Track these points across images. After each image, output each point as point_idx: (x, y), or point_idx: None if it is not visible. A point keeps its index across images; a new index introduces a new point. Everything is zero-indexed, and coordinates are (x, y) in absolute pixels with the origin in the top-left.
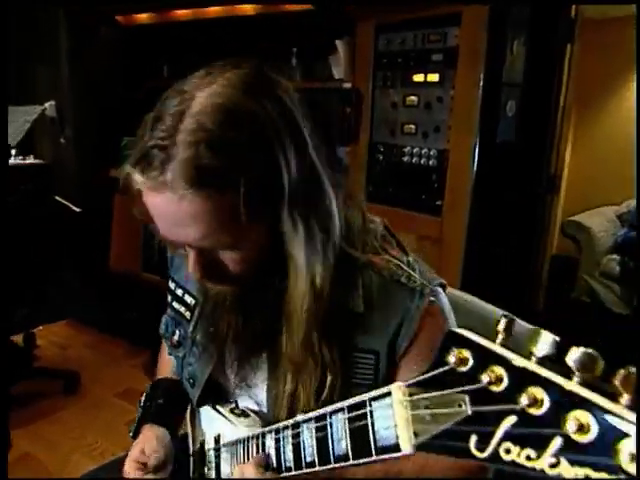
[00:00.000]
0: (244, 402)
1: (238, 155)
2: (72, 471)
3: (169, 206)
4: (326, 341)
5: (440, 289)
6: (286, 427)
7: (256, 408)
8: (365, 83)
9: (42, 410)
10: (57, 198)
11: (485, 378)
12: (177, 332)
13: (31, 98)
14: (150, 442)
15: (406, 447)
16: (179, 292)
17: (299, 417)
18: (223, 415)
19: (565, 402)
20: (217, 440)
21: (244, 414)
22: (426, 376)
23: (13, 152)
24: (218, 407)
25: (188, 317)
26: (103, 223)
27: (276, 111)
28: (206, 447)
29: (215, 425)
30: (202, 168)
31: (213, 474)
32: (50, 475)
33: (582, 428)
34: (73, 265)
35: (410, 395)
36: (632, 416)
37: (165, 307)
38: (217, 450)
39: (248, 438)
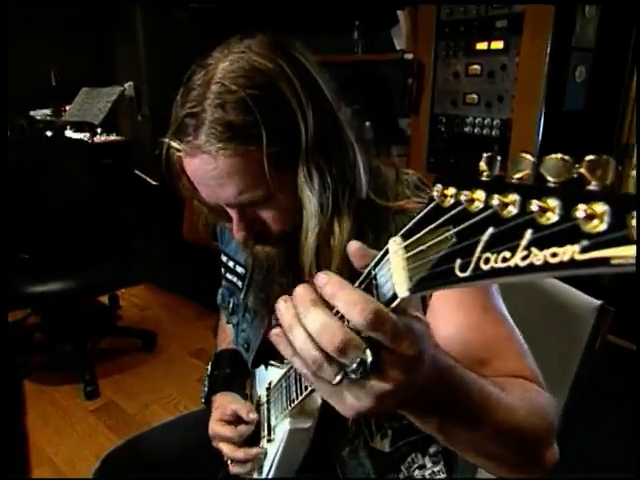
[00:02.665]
0: None
1: (260, 111)
2: (149, 418)
3: (206, 167)
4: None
5: None
6: None
7: None
8: (427, 53)
9: (124, 364)
10: (137, 172)
11: (463, 199)
12: (231, 301)
13: (112, 79)
14: (229, 406)
15: (402, 291)
16: (230, 264)
17: None
18: (274, 367)
19: (532, 193)
20: (268, 388)
21: None
22: (416, 218)
23: (98, 130)
24: (270, 364)
25: (240, 286)
26: (177, 195)
27: (292, 70)
28: (261, 401)
29: (267, 379)
30: (229, 125)
31: (266, 426)
32: (132, 420)
33: (546, 211)
34: (151, 234)
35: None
36: (594, 188)
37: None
38: (268, 396)
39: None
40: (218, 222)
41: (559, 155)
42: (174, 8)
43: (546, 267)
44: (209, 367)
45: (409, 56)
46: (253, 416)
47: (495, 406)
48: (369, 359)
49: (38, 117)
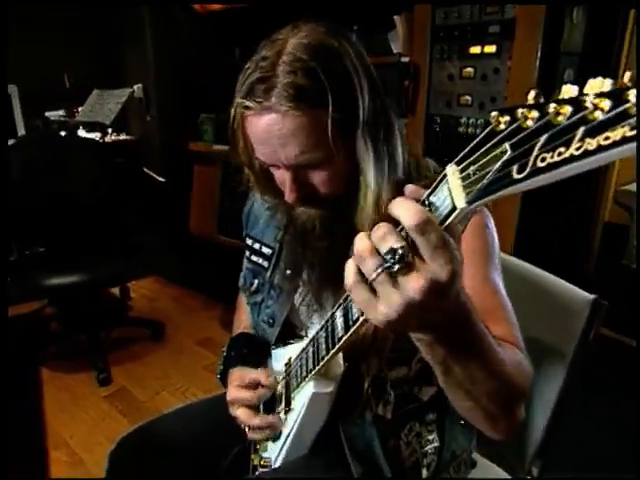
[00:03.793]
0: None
1: (327, 79)
2: (159, 404)
3: (274, 126)
4: None
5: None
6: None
7: None
8: (422, 56)
9: (134, 353)
10: (145, 170)
11: (519, 115)
12: (255, 281)
13: (122, 82)
14: (246, 377)
15: (460, 203)
16: (257, 246)
17: None
18: (293, 344)
19: (580, 100)
20: (288, 364)
21: None
22: (470, 145)
23: (109, 130)
24: (289, 342)
25: (266, 266)
26: (184, 191)
27: (353, 50)
28: (279, 376)
29: (287, 355)
30: (300, 88)
31: (284, 399)
32: (142, 406)
33: (596, 108)
34: (159, 228)
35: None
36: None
37: (241, 264)
38: (287, 371)
39: (309, 341)
40: (261, 192)
41: (600, 78)
42: (180, 12)
43: (600, 149)
44: (224, 349)
45: (405, 59)
46: (271, 379)
47: (492, 354)
48: (400, 250)
49: (52, 118)
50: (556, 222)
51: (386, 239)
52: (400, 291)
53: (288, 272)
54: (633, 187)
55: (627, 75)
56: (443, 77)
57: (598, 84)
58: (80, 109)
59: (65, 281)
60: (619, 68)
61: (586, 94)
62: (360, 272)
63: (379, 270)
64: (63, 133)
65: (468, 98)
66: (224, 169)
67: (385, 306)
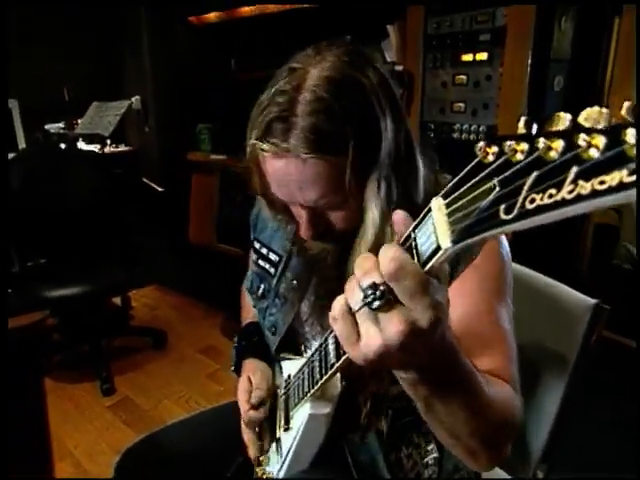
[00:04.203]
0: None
1: (349, 124)
2: (163, 413)
3: (293, 169)
4: None
5: (504, 236)
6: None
7: None
8: (416, 65)
9: (137, 362)
10: (144, 180)
11: (507, 149)
12: (261, 286)
13: (120, 94)
14: (255, 374)
15: (445, 242)
16: (264, 251)
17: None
18: (293, 360)
19: (573, 135)
20: (287, 381)
21: None
22: (457, 177)
23: (108, 142)
24: (290, 356)
25: (272, 272)
26: (182, 201)
27: (377, 81)
28: (279, 392)
29: (286, 372)
30: (321, 134)
31: (283, 416)
32: (146, 415)
33: (590, 146)
34: (159, 238)
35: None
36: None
37: (241, 272)
38: (287, 388)
39: (305, 362)
40: (273, 215)
41: (596, 107)
42: (177, 24)
43: (594, 194)
44: (235, 339)
45: (399, 68)
46: (262, 393)
47: (478, 393)
48: (382, 287)
49: (52, 130)
50: (549, 224)
51: (371, 273)
52: (380, 330)
53: (294, 283)
54: None
55: (625, 106)
56: (436, 85)
57: (594, 114)
58: (79, 121)
59: (67, 292)
60: (606, 75)
61: (580, 126)
62: (347, 305)
63: (361, 304)
64: (63, 145)
65: (461, 105)
66: (222, 178)
67: (364, 344)
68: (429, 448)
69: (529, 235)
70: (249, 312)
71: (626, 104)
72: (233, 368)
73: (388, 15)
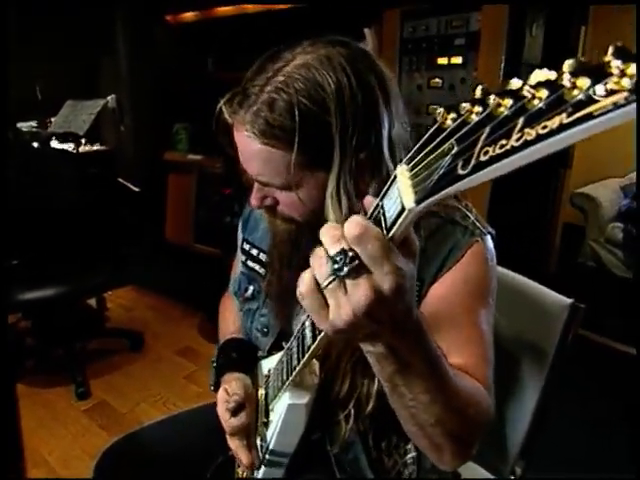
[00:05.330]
0: None
1: (302, 122)
2: (140, 416)
3: (243, 141)
4: None
5: (489, 237)
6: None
7: None
8: (392, 68)
9: (113, 364)
10: (120, 179)
11: (463, 111)
12: (251, 287)
13: (95, 92)
14: (230, 384)
15: (409, 203)
16: (254, 252)
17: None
18: (274, 355)
19: (520, 91)
20: (267, 376)
21: None
22: (419, 143)
23: (83, 141)
24: (272, 353)
25: (262, 273)
26: (159, 201)
27: (352, 94)
28: (260, 389)
29: (267, 367)
30: (270, 123)
31: (263, 410)
32: (123, 418)
33: (534, 97)
34: (135, 238)
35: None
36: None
37: (219, 271)
38: (267, 382)
39: (284, 352)
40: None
41: (545, 69)
42: (154, 25)
43: (538, 139)
44: (214, 357)
45: (386, 69)
46: (239, 392)
47: (443, 381)
48: (351, 253)
49: (24, 129)
50: (519, 224)
51: (339, 240)
52: (349, 299)
53: (285, 280)
54: (587, 190)
55: (566, 64)
56: (412, 87)
57: (541, 76)
58: (53, 120)
59: (41, 294)
60: None
61: (527, 83)
62: (315, 280)
63: (332, 277)
64: (36, 144)
65: (436, 107)
66: (199, 178)
67: (334, 314)
68: (407, 447)
69: (501, 236)
70: (228, 325)
71: (568, 62)
72: (212, 388)
73: (365, 18)
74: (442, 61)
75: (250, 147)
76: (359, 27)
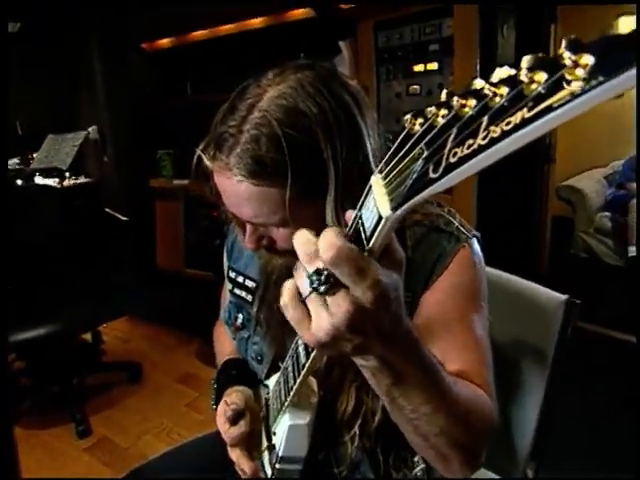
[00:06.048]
0: None
1: (291, 153)
2: (144, 449)
3: (229, 187)
4: None
5: (475, 240)
6: None
7: None
8: (370, 78)
9: (112, 398)
10: (107, 210)
11: (429, 115)
12: (240, 316)
13: (76, 125)
14: (230, 396)
15: (385, 211)
16: (240, 279)
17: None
18: (272, 377)
19: (482, 90)
20: (266, 396)
21: None
22: (390, 151)
23: (67, 174)
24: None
25: (250, 300)
26: (148, 228)
27: (335, 115)
28: (261, 412)
29: (266, 390)
30: (259, 160)
31: (264, 434)
32: (126, 453)
33: (496, 95)
34: (126, 267)
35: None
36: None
37: (212, 296)
38: (267, 404)
39: (281, 373)
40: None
41: (506, 67)
42: (130, 54)
43: (504, 135)
44: (214, 379)
45: (353, 82)
46: (239, 402)
47: (442, 390)
48: (326, 272)
49: (8, 167)
50: (509, 222)
51: (314, 259)
52: (329, 312)
53: (276, 306)
54: (572, 182)
55: (524, 60)
56: (391, 96)
57: (502, 73)
58: (35, 155)
59: (34, 334)
60: None
61: (489, 82)
62: (297, 291)
63: (309, 289)
64: (20, 182)
65: None
66: (186, 203)
67: (315, 327)
68: (415, 459)
69: (491, 234)
70: (225, 348)
71: (526, 58)
72: (214, 406)
73: (339, 32)
74: (418, 68)
75: (241, 191)
76: (334, 40)
